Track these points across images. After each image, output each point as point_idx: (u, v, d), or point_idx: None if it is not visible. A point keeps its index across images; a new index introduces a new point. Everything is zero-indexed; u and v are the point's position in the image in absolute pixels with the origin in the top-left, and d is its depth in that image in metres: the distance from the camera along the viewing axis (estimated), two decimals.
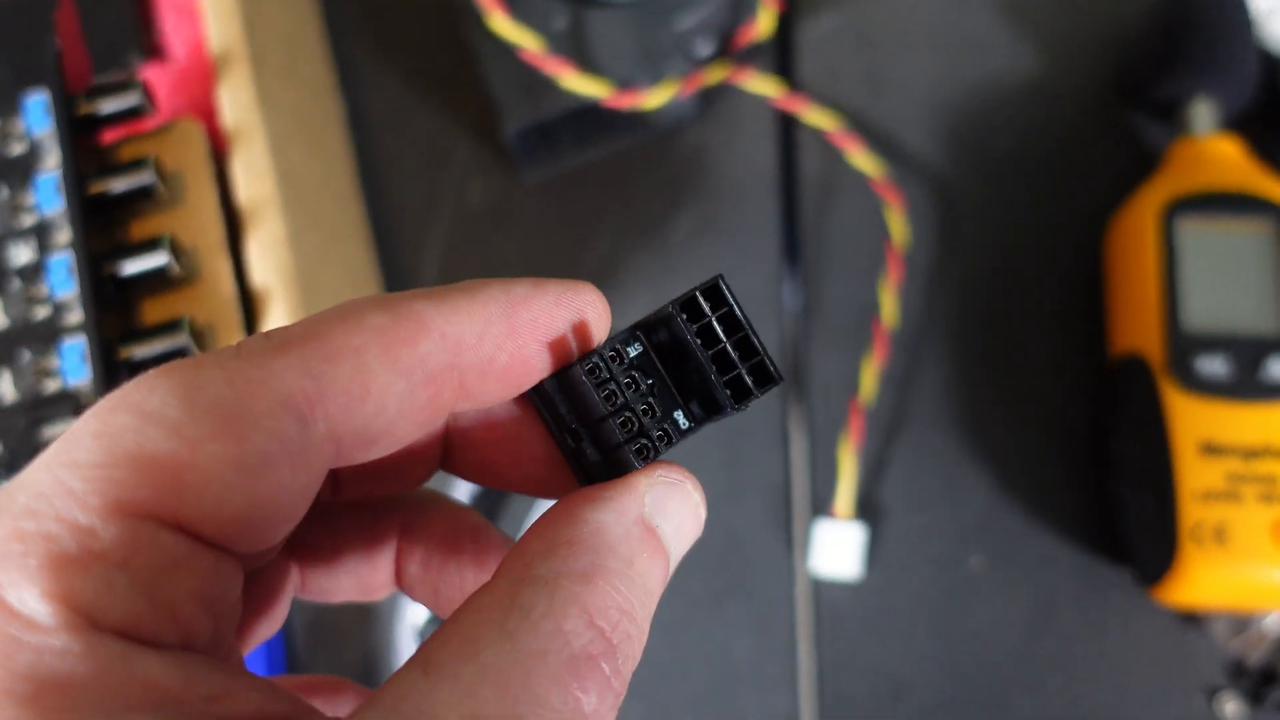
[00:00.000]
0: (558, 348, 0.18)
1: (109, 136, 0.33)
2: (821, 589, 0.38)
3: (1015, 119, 0.42)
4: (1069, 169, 0.41)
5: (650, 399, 0.18)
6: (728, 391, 0.18)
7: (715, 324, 0.18)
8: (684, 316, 0.18)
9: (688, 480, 0.18)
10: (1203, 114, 0.38)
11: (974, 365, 0.40)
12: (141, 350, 0.29)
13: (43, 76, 0.31)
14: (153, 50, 0.39)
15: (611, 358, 0.18)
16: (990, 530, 0.38)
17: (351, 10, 0.46)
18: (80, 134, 0.31)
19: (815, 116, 0.42)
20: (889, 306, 0.39)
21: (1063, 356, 0.39)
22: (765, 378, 0.18)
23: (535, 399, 0.19)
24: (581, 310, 0.18)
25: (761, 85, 0.42)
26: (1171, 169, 0.38)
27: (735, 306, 0.18)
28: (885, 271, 0.39)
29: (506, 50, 0.40)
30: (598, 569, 0.16)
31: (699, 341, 0.18)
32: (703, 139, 0.43)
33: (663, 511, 0.17)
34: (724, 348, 0.18)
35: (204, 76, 0.36)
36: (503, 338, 0.17)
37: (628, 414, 0.17)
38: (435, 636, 0.15)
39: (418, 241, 0.43)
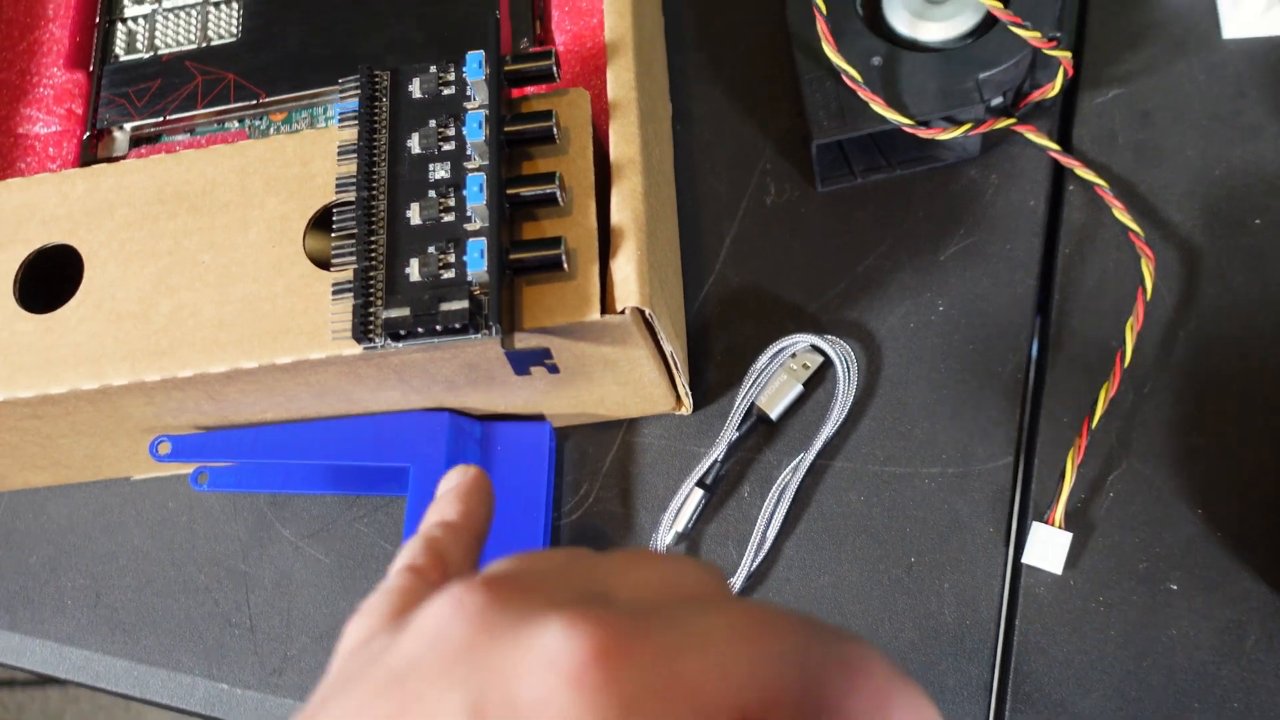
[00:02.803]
0: None
1: (514, 92, 0.41)
2: (1026, 579, 0.42)
3: (1273, 207, 0.46)
4: None
5: None
6: None
7: None
8: None
9: None
10: None
11: (1198, 412, 0.44)
12: (525, 256, 0.37)
13: (485, 40, 0.39)
14: (540, 36, 0.47)
15: None
16: (1191, 559, 0.42)
17: (689, 22, 0.53)
18: (503, 86, 0.39)
19: (1086, 173, 0.47)
20: (1131, 344, 0.43)
21: None
22: None
23: None
24: None
25: (1041, 138, 0.47)
26: None
27: None
28: (1132, 314, 0.44)
29: (826, 76, 0.46)
30: None
31: None
32: (981, 175, 0.48)
33: None
34: None
35: (582, 57, 0.45)
36: None
37: None
38: None
39: (716, 228, 0.50)
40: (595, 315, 0.37)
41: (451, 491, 0.30)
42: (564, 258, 0.37)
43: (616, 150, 0.40)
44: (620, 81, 0.41)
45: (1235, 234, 0.46)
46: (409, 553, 0.27)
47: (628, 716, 0.17)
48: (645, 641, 0.18)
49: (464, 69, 0.40)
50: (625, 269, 0.38)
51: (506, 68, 0.40)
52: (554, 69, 0.40)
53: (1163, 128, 0.48)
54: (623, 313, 0.38)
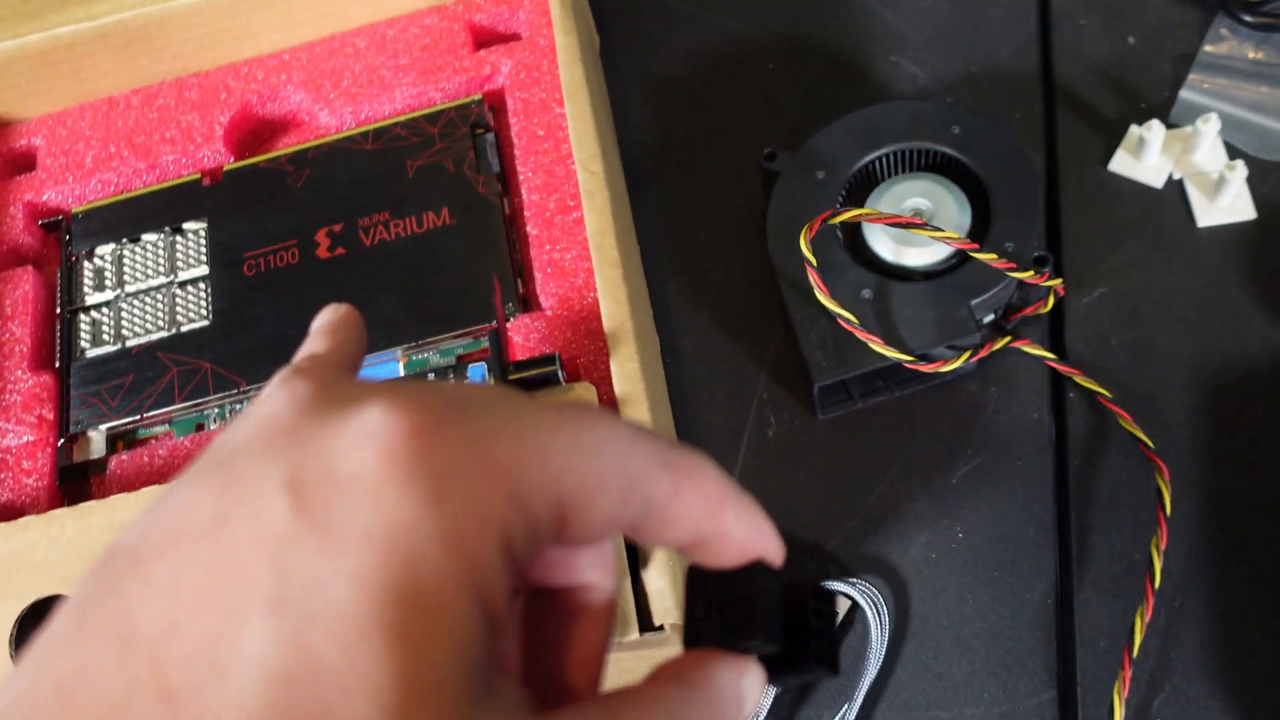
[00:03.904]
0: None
1: None
2: None
3: (1272, 393, 0.46)
4: None
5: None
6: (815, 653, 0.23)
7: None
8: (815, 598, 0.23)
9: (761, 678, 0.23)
10: None
11: (1231, 625, 0.43)
12: None
13: (486, 353, 0.38)
14: (525, 306, 0.46)
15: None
16: None
17: (666, 252, 0.53)
18: None
19: (1086, 382, 0.47)
20: (1159, 565, 0.43)
21: None
22: (833, 662, 0.23)
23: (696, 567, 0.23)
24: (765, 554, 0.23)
25: (1037, 349, 0.47)
26: None
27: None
28: (1155, 533, 0.44)
29: (818, 314, 0.46)
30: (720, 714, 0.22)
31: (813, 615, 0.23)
32: (980, 389, 0.48)
33: (752, 689, 0.23)
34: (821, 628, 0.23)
35: (571, 322, 0.44)
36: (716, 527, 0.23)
37: (757, 614, 0.22)
38: (620, 696, 0.21)
39: (720, 465, 0.49)
40: (635, 635, 0.36)
41: (321, 328, 0.29)
42: None
43: None
44: (626, 373, 0.40)
45: (1238, 427, 0.46)
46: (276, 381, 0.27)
47: (437, 490, 0.18)
48: (461, 425, 0.19)
49: (466, 381, 0.39)
50: (658, 582, 0.37)
51: (511, 376, 0.39)
52: (559, 374, 0.39)
53: (1151, 324, 0.48)
54: (661, 628, 0.36)
